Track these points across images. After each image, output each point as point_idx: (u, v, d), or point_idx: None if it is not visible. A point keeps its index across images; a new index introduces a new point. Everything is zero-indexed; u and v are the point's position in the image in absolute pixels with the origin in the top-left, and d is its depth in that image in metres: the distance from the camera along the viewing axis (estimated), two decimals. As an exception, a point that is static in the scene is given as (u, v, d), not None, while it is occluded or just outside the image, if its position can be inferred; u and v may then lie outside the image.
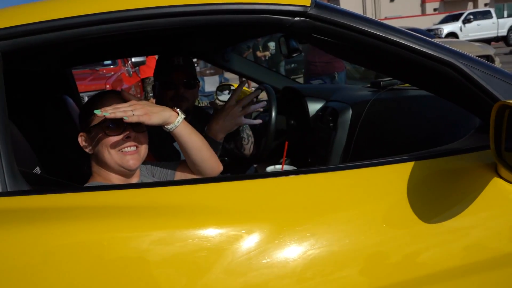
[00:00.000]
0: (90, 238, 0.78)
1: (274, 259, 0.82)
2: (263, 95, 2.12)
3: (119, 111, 1.07)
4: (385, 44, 1.00)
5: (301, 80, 4.51)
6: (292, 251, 0.83)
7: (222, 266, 0.80)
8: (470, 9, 28.26)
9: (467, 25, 17.64)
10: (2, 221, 0.79)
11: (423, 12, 28.49)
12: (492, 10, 19.11)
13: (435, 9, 28.99)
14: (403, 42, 0.99)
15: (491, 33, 17.41)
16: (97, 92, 1.30)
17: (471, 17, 17.99)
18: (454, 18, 18.46)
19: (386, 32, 0.99)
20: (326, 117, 1.87)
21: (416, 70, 1.05)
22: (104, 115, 1.05)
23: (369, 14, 27.39)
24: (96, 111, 1.06)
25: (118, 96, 1.17)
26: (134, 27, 0.92)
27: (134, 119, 1.09)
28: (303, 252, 0.83)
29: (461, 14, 18.50)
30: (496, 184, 0.92)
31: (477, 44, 7.68)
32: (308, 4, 0.98)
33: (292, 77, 4.85)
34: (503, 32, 18.08)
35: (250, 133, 1.88)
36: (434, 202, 0.92)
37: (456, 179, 0.94)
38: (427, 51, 0.99)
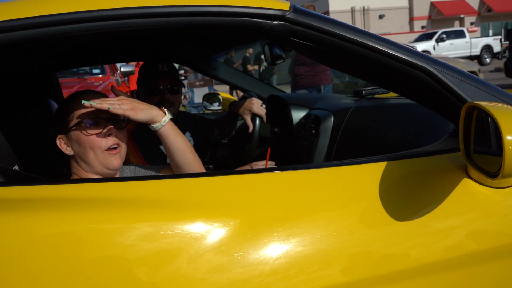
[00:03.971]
0: (69, 229, 0.79)
1: (259, 257, 0.83)
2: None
3: (106, 103, 1.08)
4: (361, 49, 1.03)
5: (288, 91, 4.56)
6: (277, 249, 0.84)
7: (207, 262, 0.81)
8: (457, 27, 28.92)
9: (440, 44, 17.97)
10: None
11: (411, 29, 29.06)
12: (465, 30, 19.52)
13: (422, 27, 29.59)
14: (378, 47, 1.02)
15: (464, 52, 17.66)
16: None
17: (444, 36, 18.32)
18: (428, 37, 18.79)
19: (361, 37, 1.03)
20: (309, 124, 1.90)
21: (392, 75, 1.08)
22: (91, 105, 1.06)
23: (358, 30, 27.75)
24: (83, 101, 1.07)
25: (96, 94, 1.18)
26: (114, 27, 0.93)
27: (119, 112, 1.09)
28: (288, 250, 0.84)
29: (435, 33, 18.84)
30: (466, 185, 0.94)
31: (462, 60, 7.87)
32: (287, 9, 1.01)
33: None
34: (476, 51, 18.39)
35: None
36: (406, 201, 0.94)
37: (427, 180, 0.97)
38: (401, 56, 1.02)
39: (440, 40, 18.15)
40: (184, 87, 1.85)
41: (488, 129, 0.86)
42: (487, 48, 18.84)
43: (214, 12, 0.98)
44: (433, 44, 17.98)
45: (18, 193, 0.84)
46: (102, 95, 1.17)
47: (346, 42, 1.02)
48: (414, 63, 1.02)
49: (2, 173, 0.86)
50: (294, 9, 1.03)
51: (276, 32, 1.03)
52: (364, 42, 1.02)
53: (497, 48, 19.11)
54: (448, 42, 18.17)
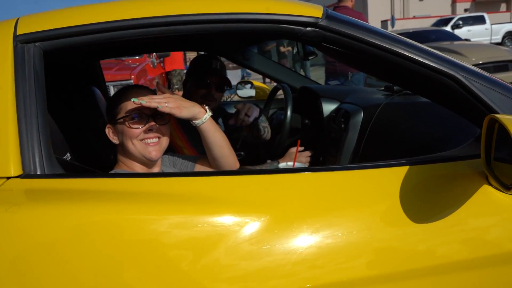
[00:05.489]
0: (113, 218, 0.89)
1: (287, 247, 0.91)
2: (281, 93, 2.22)
3: (154, 101, 1.18)
4: (391, 56, 1.07)
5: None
6: (303, 242, 0.91)
7: (237, 251, 0.89)
8: (503, 10, 27.44)
9: (456, 30, 16.11)
10: (40, 199, 0.92)
11: (453, 12, 27.86)
12: (486, 16, 17.74)
13: (466, 10, 28.31)
14: (407, 54, 1.06)
15: (483, 40, 15.92)
16: (122, 82, 1.41)
17: (460, 22, 16.88)
18: (445, 23, 17.22)
19: (391, 44, 1.07)
20: (339, 118, 1.95)
21: (420, 80, 1.12)
22: (141, 103, 1.16)
23: (397, 13, 26.90)
24: (133, 99, 1.17)
25: (145, 90, 1.28)
26: (160, 32, 1.02)
27: (166, 110, 1.19)
28: (313, 244, 0.92)
29: (451, 19, 17.46)
30: (486, 191, 0.98)
31: (505, 48, 7.56)
32: (320, 16, 1.07)
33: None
34: (497, 38, 16.81)
35: (265, 124, 2.01)
36: (427, 204, 0.99)
37: (449, 185, 1.01)
38: (429, 63, 1.06)
39: (456, 26, 16.55)
40: (230, 88, 1.96)
41: (509, 140, 0.90)
42: (510, 35, 17.20)
43: (248, 19, 1.04)
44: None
45: (74, 184, 0.95)
46: (150, 91, 1.27)
47: (376, 49, 1.07)
48: (442, 70, 1.06)
49: (61, 165, 0.98)
50: (327, 16, 1.08)
51: (308, 38, 1.08)
52: (394, 49, 1.06)
53: (522, 34, 17.52)
54: (465, 28, 16.61)
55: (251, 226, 0.91)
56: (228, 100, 4.95)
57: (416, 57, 1.06)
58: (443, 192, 1.00)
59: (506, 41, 17.12)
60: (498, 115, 0.90)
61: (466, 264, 0.95)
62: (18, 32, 1.01)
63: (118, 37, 1.01)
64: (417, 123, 1.65)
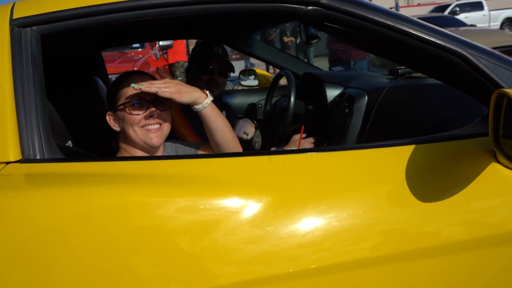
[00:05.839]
0: (115, 202, 0.88)
1: (292, 229, 0.89)
2: (284, 81, 2.20)
3: (154, 86, 1.16)
4: (395, 33, 1.04)
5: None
6: (307, 224, 0.90)
7: (242, 234, 0.88)
8: (509, -4, 26.96)
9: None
10: (40, 183, 0.90)
11: (459, -1, 27.46)
12: (484, 2, 17.13)
13: (470, -4, 27.88)
14: (412, 31, 1.03)
15: (481, 27, 14.92)
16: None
17: (457, 9, 16.36)
18: (441, 10, 16.71)
19: (396, 21, 1.04)
20: (343, 103, 1.92)
21: (425, 58, 1.09)
22: (140, 88, 1.14)
23: (401, 1, 26.56)
24: (133, 85, 1.15)
25: (145, 76, 1.26)
26: (159, 14, 1.00)
27: (166, 95, 1.17)
28: (318, 226, 0.90)
29: (448, 5, 16.93)
30: (494, 170, 0.96)
31: (511, 33, 7.47)
32: None
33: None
34: (495, 25, 16.36)
35: (258, 139, 2.11)
36: (434, 184, 0.97)
37: (456, 164, 0.99)
38: (435, 41, 1.03)
39: (452, 13, 15.90)
40: (233, 72, 1.94)
41: (518, 116, 0.88)
42: (509, 21, 16.72)
43: None
44: (444, 18, 16.30)
45: (74, 168, 0.94)
46: (150, 77, 1.25)
47: (380, 27, 1.04)
48: (447, 47, 1.03)
49: (61, 150, 0.97)
50: None
51: (310, 17, 1.06)
52: (398, 26, 1.04)
53: (522, 20, 16.95)
54: (462, 15, 15.89)
55: (254, 207, 0.89)
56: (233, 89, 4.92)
57: (421, 35, 1.03)
58: (450, 171, 0.98)
59: (505, 27, 16.66)
60: (507, 90, 0.87)
61: (474, 243, 0.93)
62: (15, 16, 1.00)
63: (115, 19, 0.99)
64: (422, 105, 1.62)
